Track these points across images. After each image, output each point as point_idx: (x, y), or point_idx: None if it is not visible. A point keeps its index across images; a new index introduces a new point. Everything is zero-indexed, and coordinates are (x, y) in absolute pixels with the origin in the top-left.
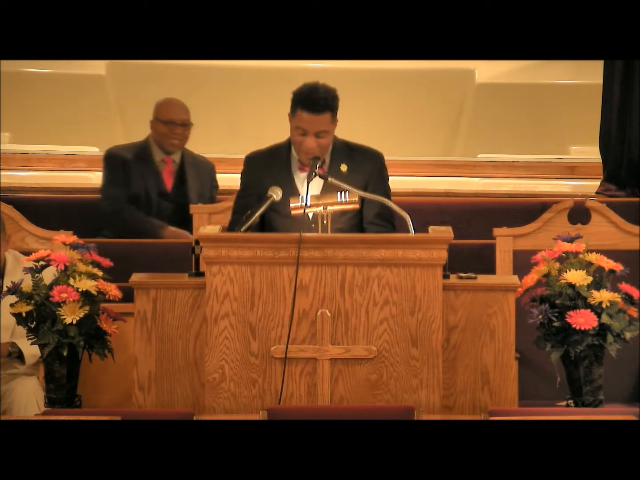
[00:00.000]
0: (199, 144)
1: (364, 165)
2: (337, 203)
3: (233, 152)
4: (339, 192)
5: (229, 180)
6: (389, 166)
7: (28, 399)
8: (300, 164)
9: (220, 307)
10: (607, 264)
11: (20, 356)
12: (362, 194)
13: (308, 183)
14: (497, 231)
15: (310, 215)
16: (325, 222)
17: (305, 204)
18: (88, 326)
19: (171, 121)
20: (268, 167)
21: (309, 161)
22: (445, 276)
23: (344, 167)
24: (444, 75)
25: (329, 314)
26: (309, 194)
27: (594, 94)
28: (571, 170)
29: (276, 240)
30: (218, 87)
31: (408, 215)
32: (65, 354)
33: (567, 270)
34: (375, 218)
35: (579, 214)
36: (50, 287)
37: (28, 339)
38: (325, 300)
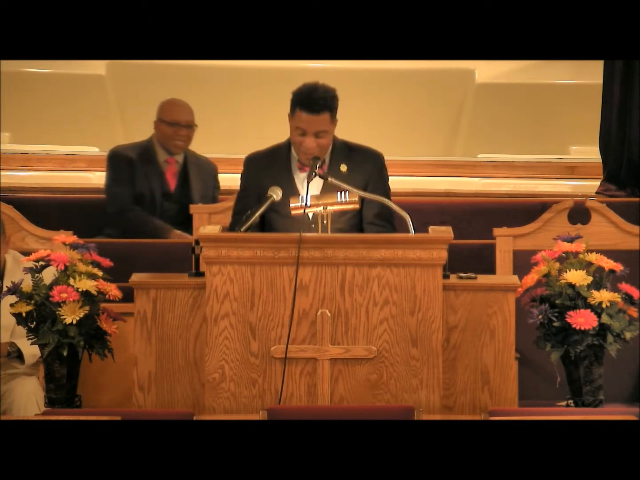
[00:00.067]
0: (199, 144)
1: (364, 166)
2: (337, 203)
3: (233, 152)
4: (338, 192)
5: (229, 180)
6: (389, 166)
7: (28, 399)
8: (300, 164)
9: (220, 307)
10: (607, 264)
11: (19, 356)
12: (362, 194)
13: (308, 183)
14: (497, 231)
15: (310, 215)
16: (325, 222)
17: (305, 204)
18: (88, 326)
19: (176, 123)
20: (268, 167)
21: (309, 161)
22: (445, 276)
23: (343, 167)
24: (444, 75)
25: (329, 314)
26: (309, 194)
27: (594, 94)
28: (571, 170)
29: (276, 240)
30: (218, 87)
31: (408, 215)
32: (65, 354)
33: (567, 270)
34: (374, 218)
35: (579, 214)
36: (50, 287)
37: (28, 339)
38: (325, 300)
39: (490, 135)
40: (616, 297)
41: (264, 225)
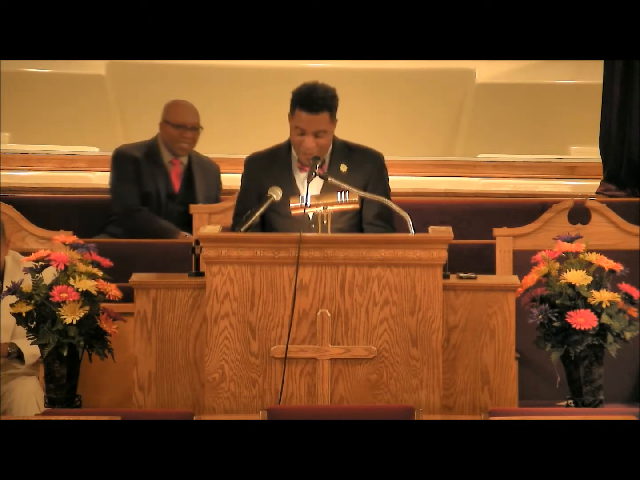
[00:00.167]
0: (199, 144)
1: (364, 166)
2: (337, 203)
3: (233, 152)
4: (338, 192)
5: (229, 180)
6: (389, 166)
7: (28, 399)
8: (300, 163)
9: (220, 307)
10: (607, 264)
11: (19, 356)
12: (362, 194)
13: (308, 183)
14: (497, 231)
15: (310, 215)
16: (325, 222)
17: (305, 204)
18: (88, 326)
19: (181, 125)
20: (268, 168)
21: (309, 161)
22: (445, 276)
23: (343, 168)
24: (444, 75)
25: (329, 314)
26: (309, 194)
27: (594, 94)
28: (571, 170)
29: (276, 240)
30: (218, 87)
31: (408, 215)
32: (65, 354)
33: (567, 270)
34: (374, 219)
35: (579, 214)
36: (50, 287)
37: (28, 339)
38: (325, 300)
39: (490, 135)
40: (616, 297)
41: (264, 225)
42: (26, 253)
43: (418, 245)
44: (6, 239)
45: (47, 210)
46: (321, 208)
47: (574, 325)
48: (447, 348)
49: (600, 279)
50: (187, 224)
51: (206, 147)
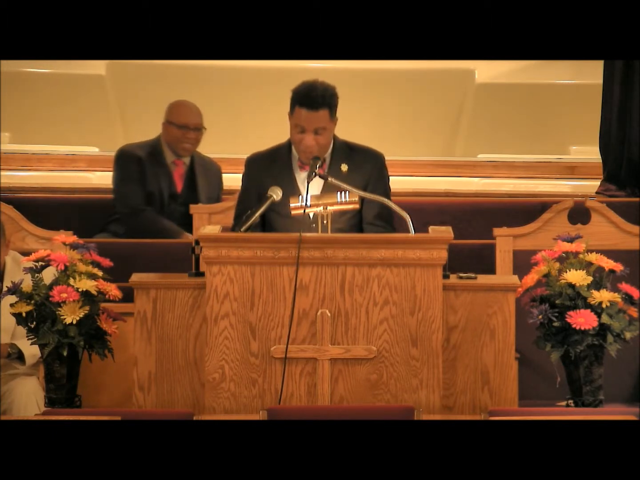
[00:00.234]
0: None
1: (364, 166)
2: (337, 203)
3: (233, 152)
4: (339, 192)
5: (229, 180)
6: (389, 166)
7: (28, 399)
8: (301, 162)
9: (220, 307)
10: (607, 264)
11: (20, 357)
12: (362, 194)
13: (308, 183)
14: (497, 231)
15: (311, 215)
16: (325, 222)
17: (305, 204)
18: (88, 326)
19: (185, 125)
20: (269, 168)
21: (310, 160)
22: (445, 276)
23: (344, 167)
24: (444, 75)
25: (329, 314)
26: (309, 194)
27: (594, 94)
28: (571, 170)
29: (276, 240)
30: (218, 87)
31: (408, 215)
32: (65, 354)
33: (567, 270)
34: (374, 219)
35: (579, 214)
36: (50, 287)
37: (28, 339)
38: (325, 300)
39: (490, 135)
40: (616, 297)
41: (264, 225)
42: (26, 253)
43: (418, 245)
44: (6, 239)
45: (47, 210)
46: (321, 208)
47: (574, 325)
48: (447, 348)
49: (600, 279)
50: (189, 224)
51: (206, 147)
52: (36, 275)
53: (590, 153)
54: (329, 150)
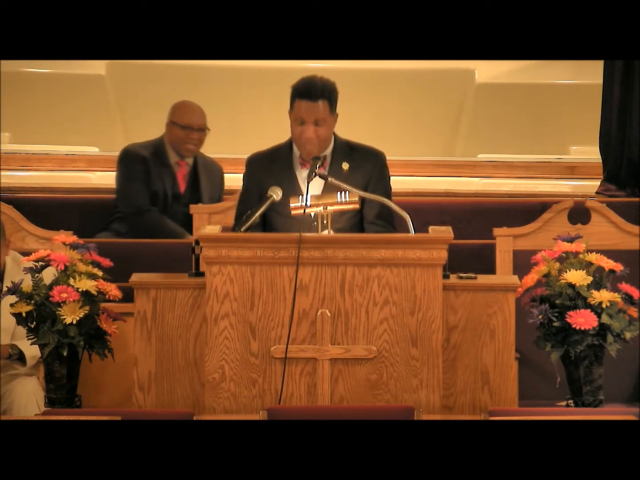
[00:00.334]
0: None
1: (365, 165)
2: (337, 203)
3: (233, 152)
4: (339, 192)
5: (229, 180)
6: (389, 166)
7: (28, 399)
8: (302, 159)
9: (220, 307)
10: (607, 264)
11: (20, 358)
12: (363, 193)
13: (308, 183)
14: (497, 231)
15: (312, 215)
16: (325, 222)
17: (306, 204)
18: (88, 326)
19: (188, 126)
20: (269, 167)
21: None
22: (445, 276)
23: (345, 166)
24: (444, 75)
25: (329, 314)
26: (309, 193)
27: (594, 94)
28: (571, 170)
29: (276, 240)
30: (218, 87)
31: (408, 215)
32: (65, 354)
33: (567, 270)
34: (375, 218)
35: (579, 214)
36: (50, 287)
37: (28, 339)
38: (325, 300)
39: (490, 135)
40: (616, 297)
41: (265, 225)
42: (26, 253)
43: (418, 245)
44: (6, 239)
45: (47, 210)
46: (321, 208)
47: (574, 325)
48: (447, 348)
49: (600, 279)
50: (191, 225)
51: (206, 147)
52: (36, 275)
53: (590, 153)
54: (330, 149)
